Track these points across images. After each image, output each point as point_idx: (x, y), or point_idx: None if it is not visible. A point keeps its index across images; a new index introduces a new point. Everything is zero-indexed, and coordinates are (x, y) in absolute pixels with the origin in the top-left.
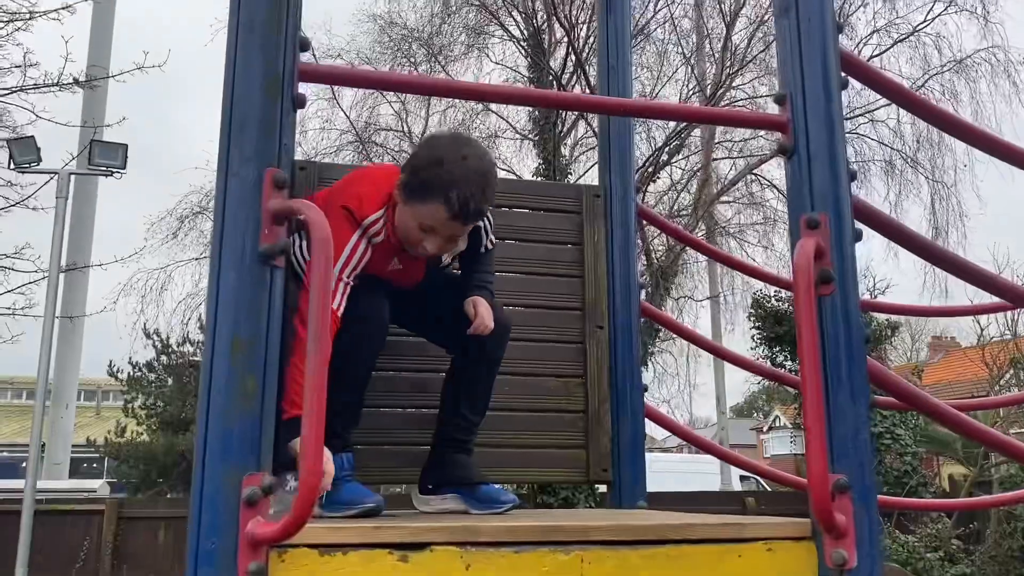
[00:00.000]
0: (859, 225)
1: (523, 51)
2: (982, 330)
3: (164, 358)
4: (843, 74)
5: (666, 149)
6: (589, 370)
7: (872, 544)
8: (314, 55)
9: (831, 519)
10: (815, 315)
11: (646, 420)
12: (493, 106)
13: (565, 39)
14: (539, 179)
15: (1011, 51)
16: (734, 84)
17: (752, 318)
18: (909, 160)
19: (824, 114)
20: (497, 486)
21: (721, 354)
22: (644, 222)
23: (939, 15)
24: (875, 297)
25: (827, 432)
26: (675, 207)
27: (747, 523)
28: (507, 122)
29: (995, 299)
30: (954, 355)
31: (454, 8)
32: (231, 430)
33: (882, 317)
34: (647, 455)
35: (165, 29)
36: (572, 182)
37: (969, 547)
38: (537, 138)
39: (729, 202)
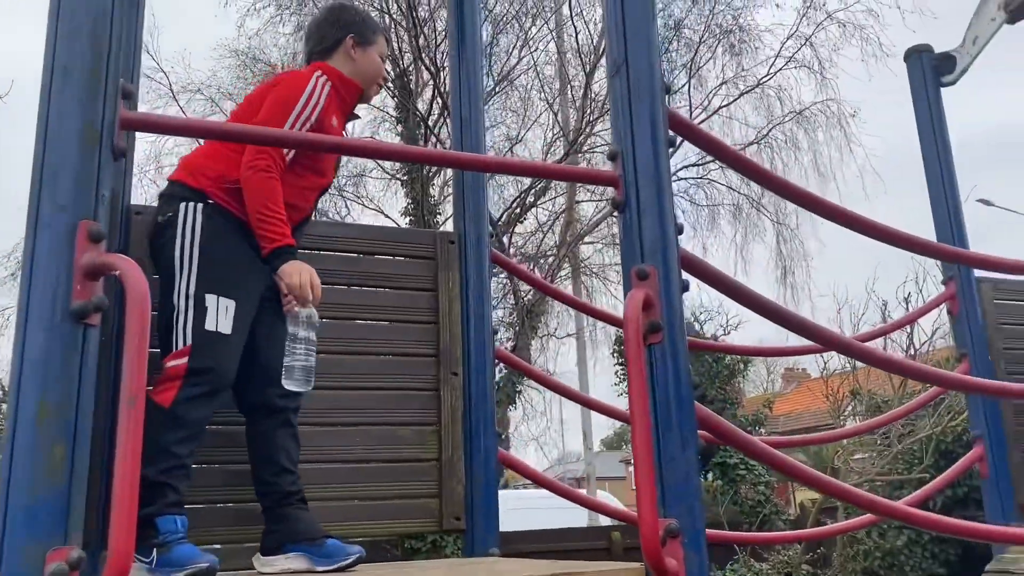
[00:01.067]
0: (686, 276)
1: (390, 91)
2: (825, 363)
3: None
4: (671, 132)
5: (532, 191)
6: (443, 417)
7: None
8: (171, 89)
9: (662, 564)
10: (643, 364)
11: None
12: None
13: (432, 82)
14: (407, 219)
15: (844, 104)
16: (595, 131)
17: (615, 354)
18: (755, 203)
19: (652, 171)
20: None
21: (570, 395)
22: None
23: (780, 69)
24: (727, 333)
25: (657, 478)
26: (541, 248)
27: (578, 571)
28: (375, 161)
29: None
30: (805, 386)
31: None
32: (35, 502)
33: None
34: (515, 492)
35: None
36: (441, 223)
37: (817, 572)
38: (405, 178)
39: (592, 243)
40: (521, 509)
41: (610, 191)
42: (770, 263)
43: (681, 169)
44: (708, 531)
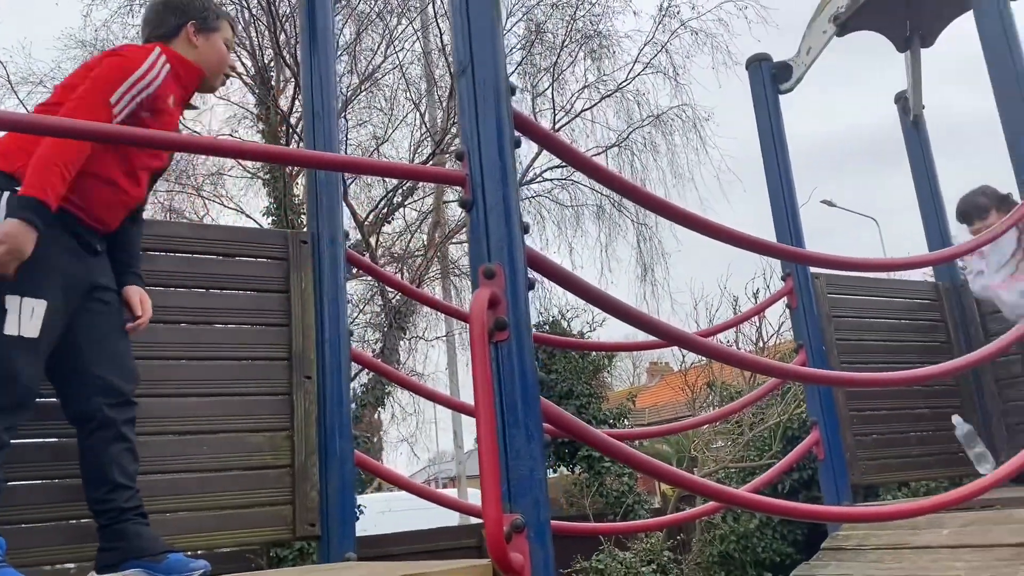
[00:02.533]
0: (532, 274)
1: (250, 88)
2: (683, 357)
3: None
4: (518, 134)
5: (399, 191)
6: (296, 422)
7: None
8: (9, 81)
9: (506, 560)
10: (488, 361)
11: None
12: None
13: (293, 79)
14: (269, 219)
15: (698, 108)
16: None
17: None
18: (616, 205)
19: (498, 171)
20: (185, 554)
21: (432, 397)
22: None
23: (639, 74)
24: (593, 330)
25: (503, 473)
26: (408, 248)
27: (427, 571)
28: (235, 159)
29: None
30: (666, 380)
31: None
32: None
33: None
34: (384, 495)
35: None
36: (305, 224)
37: (679, 557)
38: (268, 176)
39: (461, 243)
40: (392, 512)
41: None
42: (632, 261)
43: (546, 171)
44: (569, 523)
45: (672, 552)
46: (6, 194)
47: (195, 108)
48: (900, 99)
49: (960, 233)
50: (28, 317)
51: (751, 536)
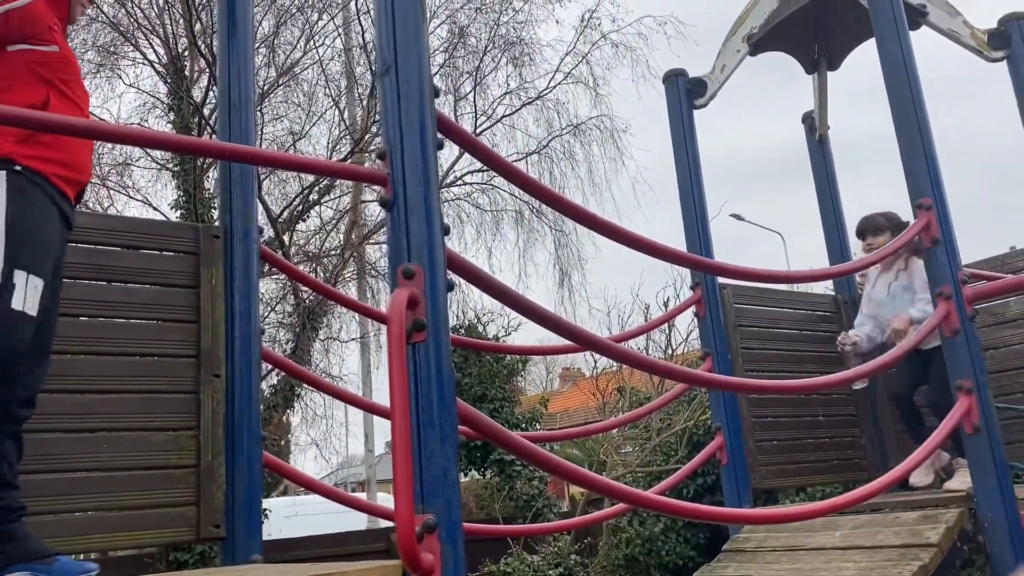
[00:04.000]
0: (452, 276)
1: (162, 76)
2: (595, 363)
3: None
4: (440, 136)
5: (316, 188)
6: (203, 421)
7: None
8: None
9: (417, 560)
10: (405, 361)
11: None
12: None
13: (208, 70)
14: (178, 212)
15: (616, 119)
16: (380, 131)
17: None
18: (535, 211)
19: (421, 172)
20: (76, 557)
21: (342, 397)
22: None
23: (559, 83)
24: (508, 334)
25: (416, 473)
26: (324, 247)
27: (336, 571)
28: (143, 149)
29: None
30: (578, 385)
31: (82, 23)
32: None
33: None
34: (292, 499)
35: None
36: (215, 218)
37: (585, 560)
38: (177, 168)
39: (378, 244)
40: (299, 516)
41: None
42: (549, 267)
43: (466, 175)
44: (478, 525)
45: (579, 555)
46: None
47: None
48: (807, 119)
49: (860, 249)
50: (32, 294)
51: (656, 539)
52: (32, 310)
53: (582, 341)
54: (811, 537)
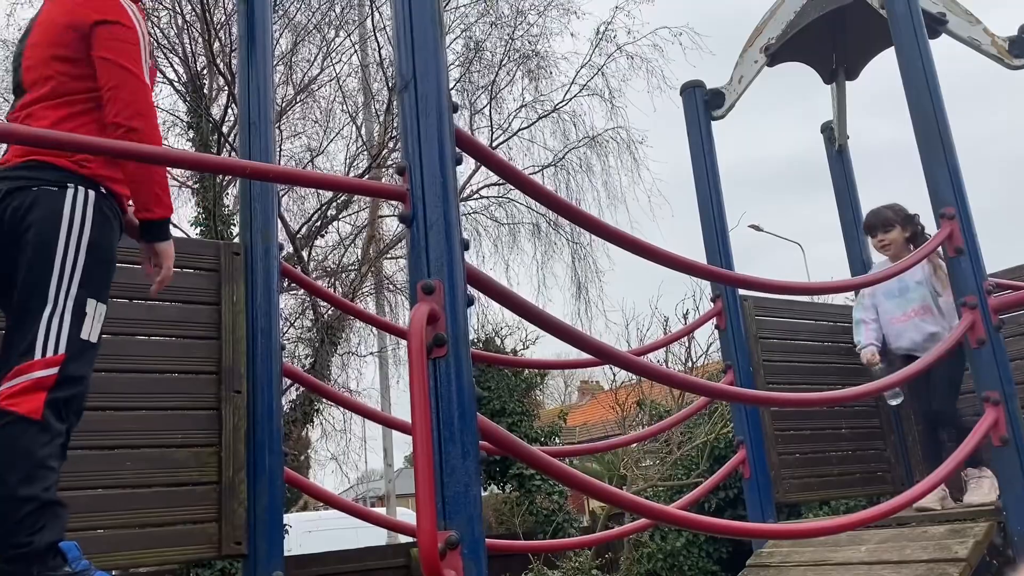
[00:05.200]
0: (472, 290)
1: (181, 95)
2: (614, 376)
3: None
4: (459, 151)
5: (334, 204)
6: (224, 438)
7: None
8: None
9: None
10: (426, 377)
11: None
12: None
13: (227, 88)
14: (198, 229)
15: (632, 131)
16: (398, 145)
17: None
18: (552, 223)
19: (440, 187)
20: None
21: (363, 412)
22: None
23: (575, 96)
24: (526, 348)
25: (438, 489)
26: (342, 262)
27: None
28: (172, 167)
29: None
30: (598, 398)
31: None
32: None
33: None
34: (312, 513)
35: None
36: (235, 235)
37: (607, 575)
38: (197, 186)
39: (395, 259)
40: (319, 531)
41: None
42: (567, 279)
43: (483, 188)
44: (499, 541)
45: (600, 570)
46: (79, 191)
47: None
48: (826, 129)
49: (872, 248)
50: (97, 322)
51: (678, 554)
52: (95, 337)
53: (603, 355)
54: (836, 552)
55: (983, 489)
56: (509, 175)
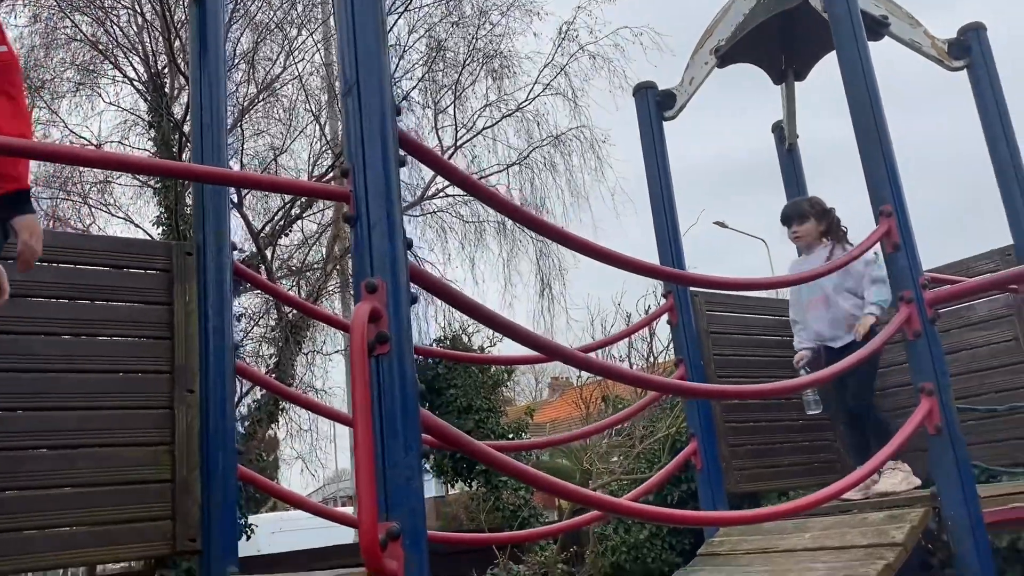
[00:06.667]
0: (415, 288)
1: (142, 94)
2: (580, 372)
3: None
4: (403, 153)
5: (297, 203)
6: (177, 437)
7: None
8: None
9: (380, 566)
10: (367, 374)
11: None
12: (108, 149)
13: (188, 87)
14: (160, 229)
15: (596, 130)
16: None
17: None
18: (516, 221)
19: (383, 188)
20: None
21: (319, 410)
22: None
23: (539, 95)
24: (493, 345)
25: (380, 482)
26: (307, 261)
27: None
28: (118, 171)
29: None
30: (565, 395)
31: (61, 42)
32: None
33: None
34: (279, 514)
35: None
36: None
37: (572, 570)
38: (159, 185)
39: None
40: (285, 532)
41: None
42: (531, 277)
43: (447, 187)
44: (450, 534)
45: (566, 564)
46: None
47: None
48: (776, 128)
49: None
50: None
51: (641, 546)
52: None
53: (548, 351)
54: (783, 539)
55: (895, 479)
56: (454, 177)
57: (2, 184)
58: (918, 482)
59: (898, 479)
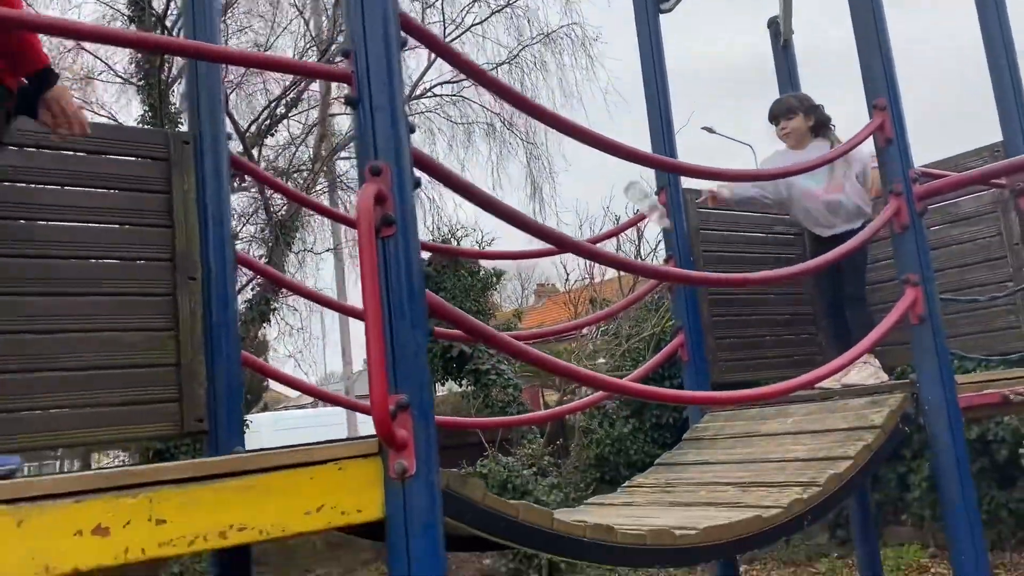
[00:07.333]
0: (419, 173)
1: None
2: (568, 275)
3: None
4: (404, 34)
5: (283, 101)
6: (181, 322)
7: (429, 453)
8: None
9: (391, 434)
10: (375, 254)
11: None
12: (87, 45)
13: None
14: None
15: (587, 27)
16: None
17: None
18: (506, 123)
19: (385, 69)
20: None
21: (319, 300)
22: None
23: None
24: (488, 245)
25: (388, 357)
26: (293, 162)
27: (317, 448)
28: (104, 63)
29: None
30: (552, 300)
31: None
32: None
33: (488, 266)
34: (276, 414)
35: None
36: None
37: (558, 461)
38: (142, 83)
39: (349, 158)
40: (281, 430)
41: None
42: (521, 179)
43: (436, 86)
44: (446, 418)
45: (552, 456)
46: None
47: None
48: (772, 23)
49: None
50: None
51: (624, 439)
52: None
53: (554, 240)
54: (765, 424)
55: (865, 373)
56: (453, 60)
57: (28, 65)
58: (886, 377)
59: (868, 373)
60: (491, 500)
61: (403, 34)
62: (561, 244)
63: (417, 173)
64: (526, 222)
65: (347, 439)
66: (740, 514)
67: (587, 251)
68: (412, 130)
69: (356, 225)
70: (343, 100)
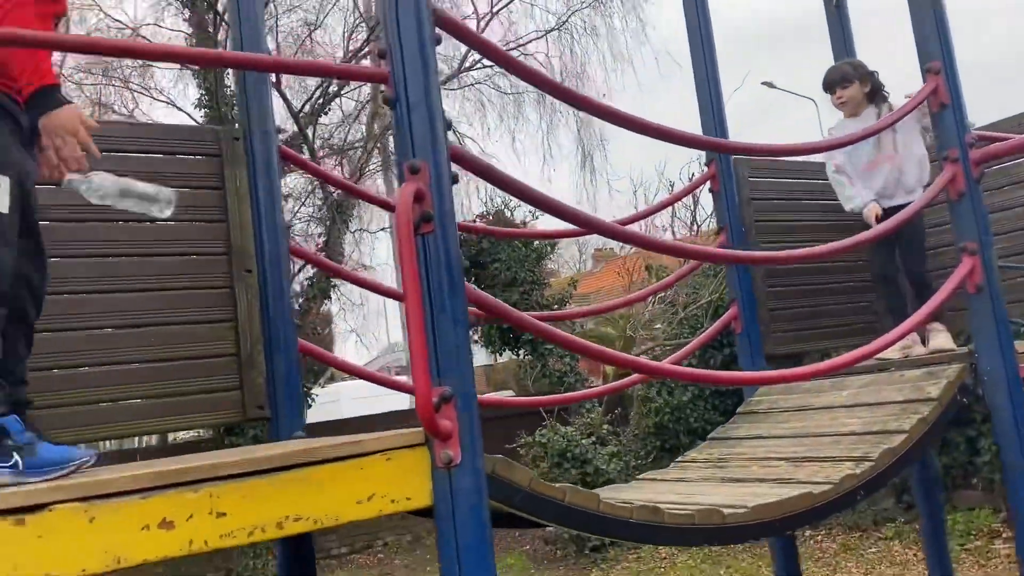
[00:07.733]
0: (456, 168)
1: None
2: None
3: None
4: (438, 31)
5: (334, 80)
6: (239, 314)
7: (474, 442)
8: None
9: (436, 426)
10: (415, 252)
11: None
12: (144, 31)
13: None
14: (202, 111)
15: None
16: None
17: None
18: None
19: (420, 68)
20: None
21: (371, 287)
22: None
23: None
24: (536, 219)
25: (431, 351)
26: (348, 140)
27: (366, 439)
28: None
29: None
30: (610, 265)
31: None
32: None
33: None
34: (354, 383)
35: None
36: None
37: (617, 430)
38: (198, 68)
39: None
40: (340, 402)
41: None
42: (572, 149)
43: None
44: (506, 398)
45: (611, 425)
46: None
47: None
48: None
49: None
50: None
51: (684, 408)
52: (4, 207)
53: (583, 224)
54: (819, 397)
55: (940, 339)
56: (489, 53)
57: (12, 81)
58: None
59: (942, 339)
60: (537, 484)
61: (437, 31)
62: (589, 227)
63: (455, 168)
64: (557, 208)
65: (395, 432)
66: (790, 491)
67: (617, 233)
68: (449, 126)
69: (396, 221)
70: (382, 100)
